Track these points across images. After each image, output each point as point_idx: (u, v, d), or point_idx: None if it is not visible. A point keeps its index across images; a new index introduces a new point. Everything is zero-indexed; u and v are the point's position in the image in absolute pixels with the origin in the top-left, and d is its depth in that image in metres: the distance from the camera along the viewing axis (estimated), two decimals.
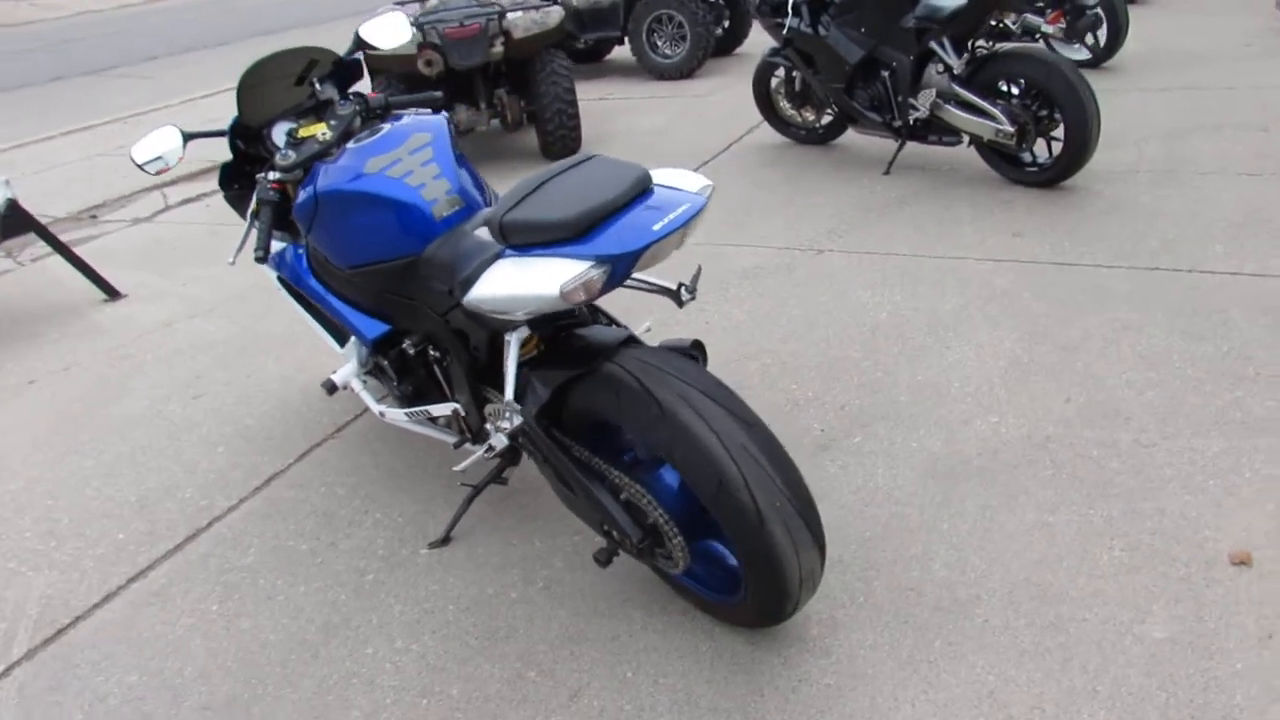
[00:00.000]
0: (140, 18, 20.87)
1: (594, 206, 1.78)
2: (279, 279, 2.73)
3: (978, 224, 4.28)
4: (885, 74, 4.83)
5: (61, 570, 2.63)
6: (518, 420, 2.03)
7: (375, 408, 2.62)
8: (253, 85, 2.56)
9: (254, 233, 2.46)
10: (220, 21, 18.02)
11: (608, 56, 9.35)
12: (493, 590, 2.38)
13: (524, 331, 2.04)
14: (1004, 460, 2.66)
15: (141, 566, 2.61)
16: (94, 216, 6.10)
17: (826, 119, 5.57)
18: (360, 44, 2.78)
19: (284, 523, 2.72)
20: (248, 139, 2.67)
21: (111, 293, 4.62)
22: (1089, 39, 6.27)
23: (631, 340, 2.09)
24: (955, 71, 4.54)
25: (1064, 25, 5.54)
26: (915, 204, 4.61)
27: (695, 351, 2.27)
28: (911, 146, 5.08)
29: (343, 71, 2.72)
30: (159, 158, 2.48)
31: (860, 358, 3.27)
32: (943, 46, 4.55)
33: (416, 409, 2.50)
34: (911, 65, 4.71)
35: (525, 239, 1.83)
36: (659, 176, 1.94)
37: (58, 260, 4.66)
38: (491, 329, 2.09)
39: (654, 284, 2.22)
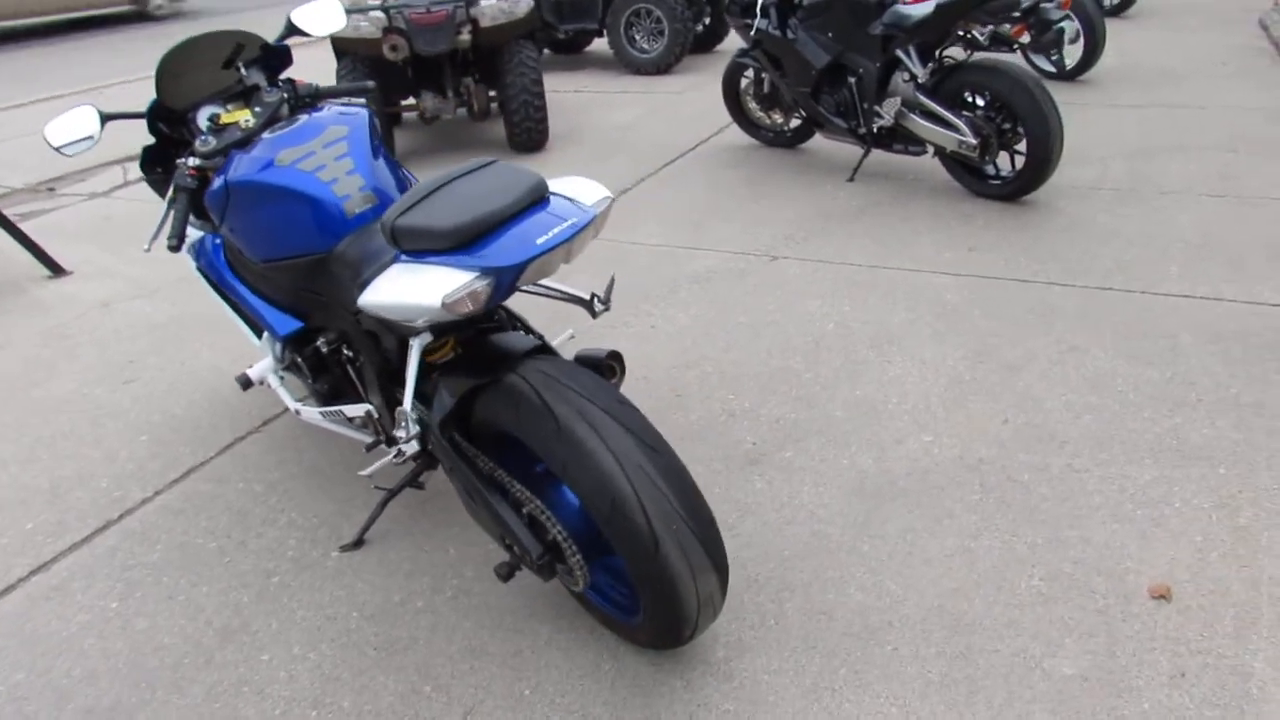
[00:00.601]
0: None
1: (483, 215, 1.72)
2: (198, 268, 2.65)
3: (935, 236, 4.23)
4: (852, 80, 4.78)
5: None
6: (414, 428, 1.96)
7: (291, 405, 2.55)
8: (175, 67, 2.48)
9: (170, 220, 2.39)
10: None
11: (588, 48, 9.27)
12: (399, 598, 2.32)
13: (426, 338, 1.97)
14: (933, 481, 2.61)
15: (45, 559, 2.53)
16: (51, 189, 5.99)
17: (795, 123, 5.51)
18: (292, 28, 2.70)
19: (196, 519, 2.65)
20: (171, 122, 2.59)
21: (56, 269, 4.52)
22: (1053, 54, 6.23)
23: (542, 349, 2.02)
24: (920, 81, 4.49)
25: (1029, 38, 5.50)
26: (875, 213, 4.57)
27: (612, 362, 2.22)
28: (878, 154, 5.04)
29: (271, 57, 2.63)
30: (77, 140, 2.40)
31: (801, 369, 3.22)
32: (908, 55, 4.49)
33: (332, 409, 2.43)
34: (878, 72, 4.66)
35: (415, 245, 1.77)
36: (558, 186, 1.88)
37: (3, 234, 4.56)
38: (397, 333, 2.02)
39: (567, 293, 2.16)
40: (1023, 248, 4.04)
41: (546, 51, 9.03)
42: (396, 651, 2.16)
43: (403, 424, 1.97)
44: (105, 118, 2.44)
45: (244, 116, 2.46)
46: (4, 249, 4.71)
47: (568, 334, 2.56)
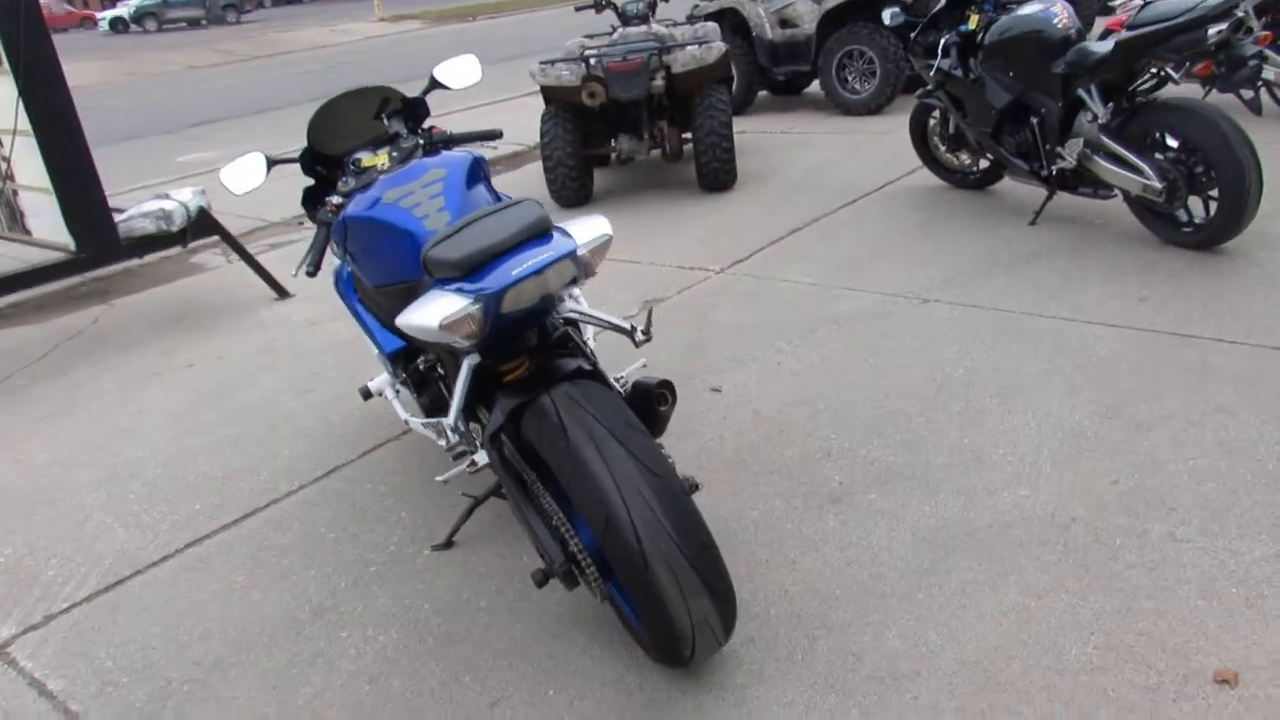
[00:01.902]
0: (420, 41, 22.88)
1: (484, 248, 1.91)
2: (337, 292, 3.02)
3: (1107, 285, 3.99)
4: (1034, 120, 4.61)
5: (142, 530, 3.04)
6: (454, 439, 2.17)
7: (402, 416, 2.85)
8: (327, 119, 2.87)
9: (311, 249, 2.76)
10: (504, 42, 19.34)
11: (806, 90, 9.34)
12: (468, 596, 2.54)
13: (474, 358, 2.18)
14: (1014, 536, 2.51)
15: (200, 535, 2.97)
16: (302, 223, 6.84)
17: (983, 164, 5.35)
18: (434, 83, 3.05)
19: (324, 511, 3.01)
20: (329, 165, 2.99)
21: (281, 293, 5.20)
22: (1246, 92, 5.61)
23: (583, 373, 2.17)
24: (1102, 121, 4.25)
25: (1216, 75, 5.02)
26: (1048, 259, 4.36)
27: (664, 390, 2.33)
28: (1066, 198, 4.79)
29: (411, 108, 2.98)
30: (250, 186, 2.82)
31: (914, 414, 3.16)
32: (1090, 94, 4.28)
33: (432, 420, 2.70)
34: (1060, 112, 4.46)
35: (440, 273, 1.98)
36: (571, 223, 2.03)
37: (243, 263, 5.30)
38: (454, 352, 2.24)
39: (610, 322, 2.30)
40: (1201, 301, 3.73)
41: (764, 93, 9.20)
42: (451, 643, 2.37)
43: (445, 435, 2.18)
44: (271, 162, 2.86)
45: (381, 161, 2.81)
46: (244, 276, 5.46)
47: (640, 363, 2.70)
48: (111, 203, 4.76)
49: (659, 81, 5.78)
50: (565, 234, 1.99)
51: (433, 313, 1.90)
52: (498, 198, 2.69)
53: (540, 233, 1.97)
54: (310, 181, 3.00)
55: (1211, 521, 2.47)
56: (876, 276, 4.39)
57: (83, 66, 20.56)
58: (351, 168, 2.83)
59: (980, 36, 4.74)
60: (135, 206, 4.75)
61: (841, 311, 4.04)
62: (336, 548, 2.82)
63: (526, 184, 6.69)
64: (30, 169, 4.50)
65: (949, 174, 5.57)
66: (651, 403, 2.33)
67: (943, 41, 4.90)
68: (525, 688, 2.20)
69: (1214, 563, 2.33)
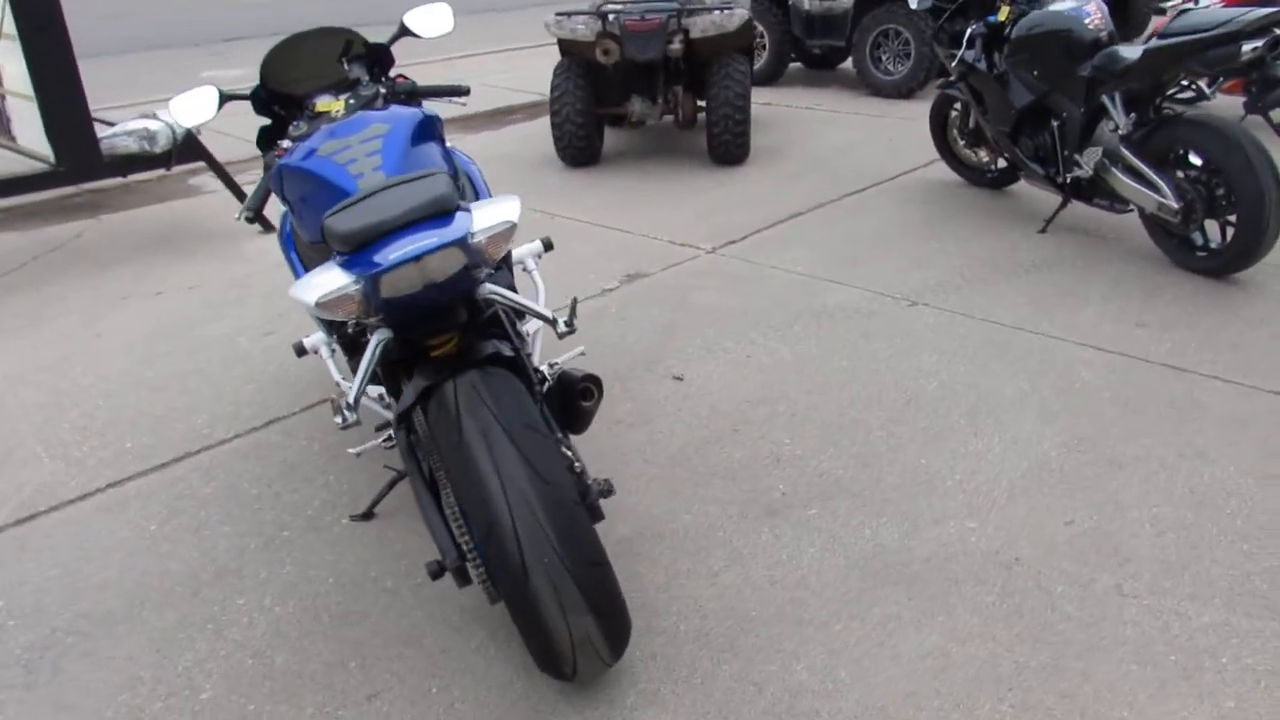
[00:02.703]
0: None
1: (374, 223, 1.77)
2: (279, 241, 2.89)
3: (1106, 305, 3.80)
4: (1054, 124, 4.38)
5: (69, 463, 2.95)
6: (351, 417, 2.04)
7: (335, 377, 2.71)
8: (286, 56, 2.73)
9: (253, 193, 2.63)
10: None
11: (841, 66, 9.06)
12: (375, 574, 2.43)
13: (384, 333, 2.05)
14: (950, 572, 2.37)
15: (124, 475, 2.88)
16: None
17: (1001, 163, 5.12)
18: (404, 30, 2.89)
19: (254, 465, 2.91)
20: (289, 106, 2.84)
21: (268, 226, 5.07)
22: (1277, 115, 5.32)
23: (496, 358, 2.04)
24: (1123, 131, 4.03)
25: (1245, 95, 4.75)
26: (1051, 270, 4.16)
27: (589, 384, 2.20)
28: (1079, 208, 4.57)
29: (374, 55, 2.82)
30: (196, 115, 2.69)
31: (875, 426, 3.02)
32: (1113, 102, 4.05)
33: (362, 387, 2.58)
34: (1082, 118, 4.24)
35: (336, 245, 1.84)
36: (479, 203, 1.88)
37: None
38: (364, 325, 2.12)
39: (534, 310, 2.16)
40: (1202, 332, 3.53)
41: (797, 65, 8.93)
42: (347, 623, 2.27)
43: (340, 411, 2.05)
44: (225, 97, 2.72)
45: (337, 108, 2.66)
46: (232, 201, 5.33)
47: (577, 350, 2.56)
48: (108, 116, 4.64)
49: (676, 45, 5.57)
50: (468, 215, 1.84)
51: (313, 288, 1.77)
52: (449, 160, 2.55)
53: (439, 212, 1.82)
54: (267, 121, 2.86)
55: (1164, 577, 2.32)
56: (869, 272, 4.21)
57: None
58: (307, 112, 2.69)
59: (1008, 30, 4.50)
60: (121, 124, 4.63)
61: (826, 305, 3.88)
62: (256, 505, 2.72)
63: (542, 136, 6.49)
64: (18, 74, 4.39)
65: (966, 170, 5.35)
66: (574, 397, 2.20)
67: (969, 31, 4.66)
68: (410, 681, 2.10)
69: (1157, 624, 2.18)
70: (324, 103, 2.69)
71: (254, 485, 2.82)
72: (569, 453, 2.01)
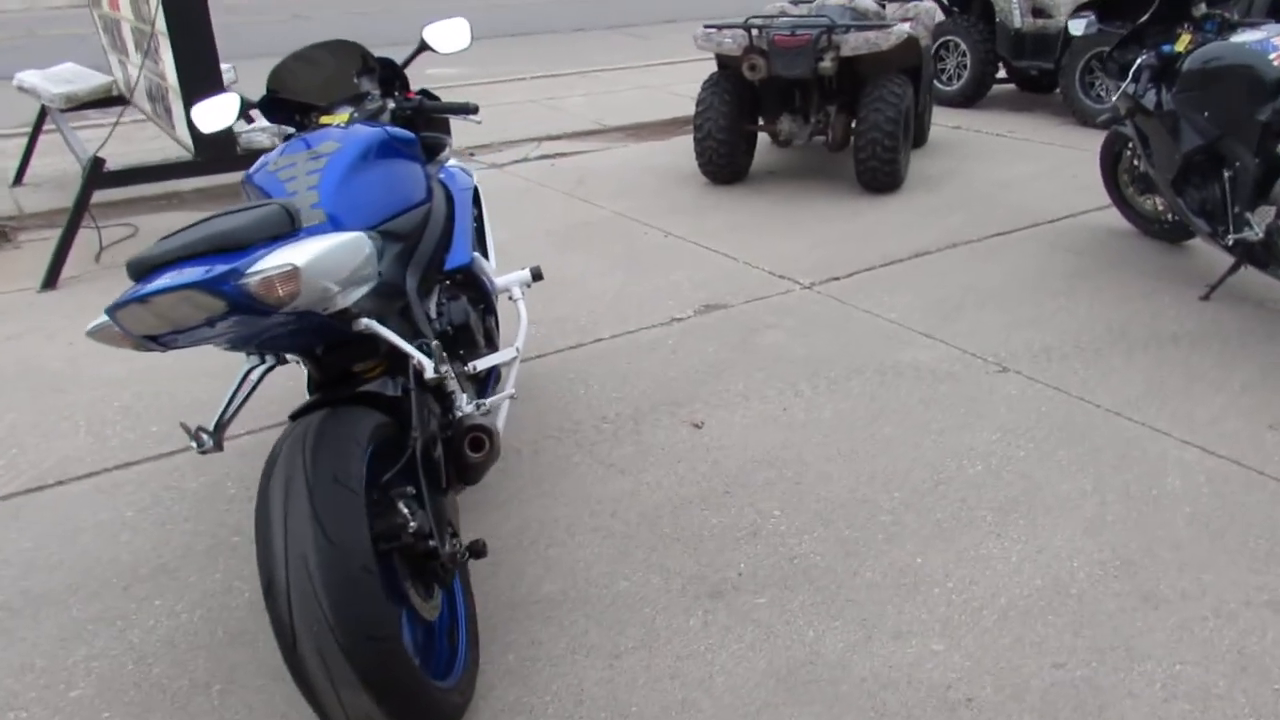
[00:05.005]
0: None
1: (154, 255, 1.68)
2: None
3: (1241, 397, 3.17)
4: (1226, 174, 3.72)
5: (96, 440, 3.13)
6: (207, 442, 1.99)
7: None
8: (298, 67, 2.74)
9: None
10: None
11: (1058, 90, 8.25)
12: None
13: (253, 361, 1.99)
14: (881, 701, 2.02)
15: (133, 459, 3.01)
16: (471, 154, 6.89)
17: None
18: (423, 45, 2.85)
19: (248, 465, 2.93)
20: (307, 115, 2.86)
21: None
22: None
23: (361, 397, 1.95)
24: None
25: None
26: (1190, 346, 3.54)
27: (481, 435, 2.06)
28: (1255, 274, 3.86)
29: (388, 71, 2.79)
30: (215, 121, 2.76)
31: (885, 509, 2.66)
32: None
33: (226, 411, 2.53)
34: (1257, 170, 3.57)
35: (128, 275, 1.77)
36: (300, 239, 1.75)
37: None
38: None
39: (404, 348, 2.03)
40: None
41: (1006, 86, 8.23)
42: (234, 644, 2.23)
43: (193, 435, 2.00)
44: (246, 105, 2.78)
45: (341, 120, 2.65)
46: None
47: (507, 393, 2.41)
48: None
49: (828, 63, 5.22)
50: (263, 253, 1.70)
51: (97, 318, 1.73)
52: (418, 187, 2.47)
53: (218, 249, 1.70)
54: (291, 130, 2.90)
55: None
56: (969, 327, 3.75)
57: None
58: (312, 123, 2.70)
59: (1180, 62, 3.86)
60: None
61: (899, 362, 3.48)
62: (227, 507, 2.77)
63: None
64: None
65: (1137, 218, 4.68)
66: (462, 446, 2.06)
67: (1138, 62, 4.04)
68: (258, 716, 2.03)
69: None
70: (328, 115, 2.69)
71: (236, 486, 2.87)
72: (405, 510, 1.87)
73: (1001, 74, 8.05)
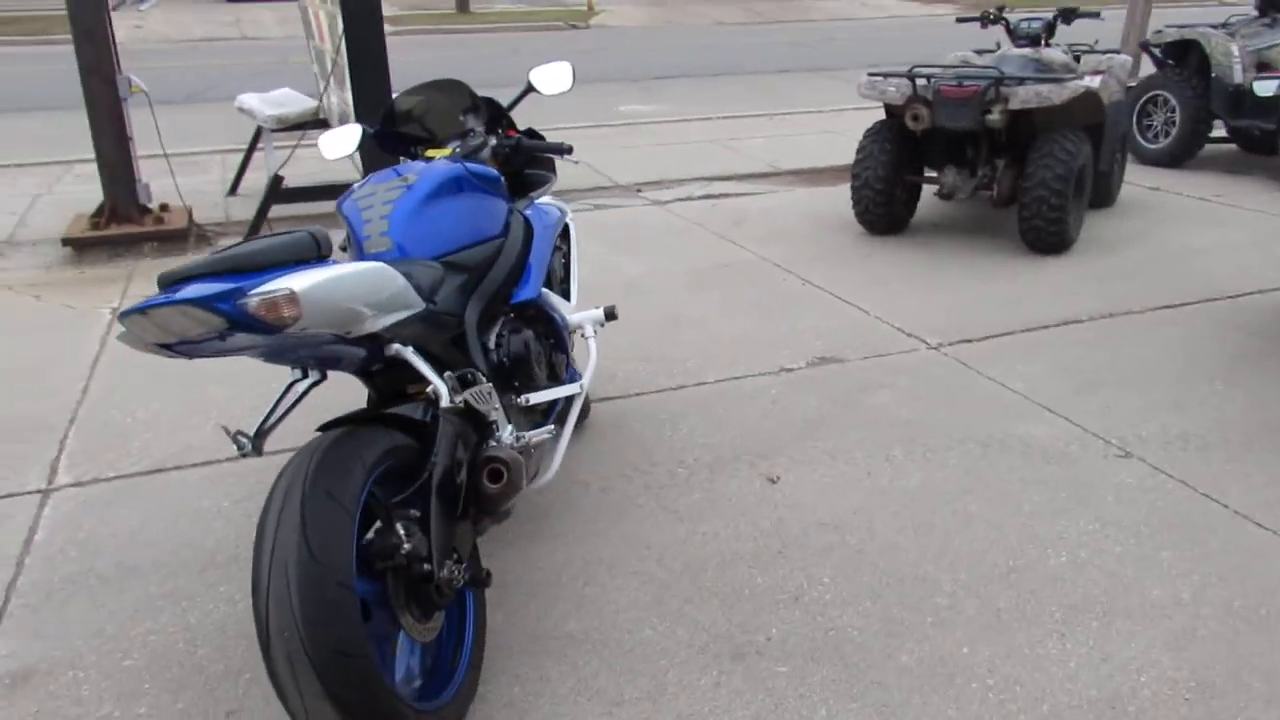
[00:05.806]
0: (927, 26, 22.07)
1: (181, 269, 1.80)
2: None
3: None
4: None
5: (218, 432, 3.41)
6: (246, 445, 2.13)
7: None
8: (412, 103, 2.92)
9: None
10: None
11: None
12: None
13: (295, 374, 2.13)
14: None
15: (206, 459, 3.26)
16: (639, 190, 7.04)
17: None
18: (530, 87, 2.96)
19: None
20: (415, 145, 3.03)
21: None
22: None
23: (378, 417, 2.05)
24: None
25: None
26: None
27: (499, 467, 2.11)
28: None
29: (492, 109, 2.92)
30: (337, 149, 2.98)
31: (945, 590, 2.50)
32: None
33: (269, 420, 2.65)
34: None
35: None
36: (326, 266, 1.84)
37: None
38: None
39: (429, 376, 2.11)
40: None
41: (1228, 148, 7.56)
42: (195, 670, 2.34)
43: (233, 438, 2.15)
44: (367, 135, 2.98)
45: (444, 155, 2.80)
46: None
47: (546, 429, 2.43)
48: None
49: (995, 115, 5.00)
50: (272, 275, 1.79)
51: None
52: (493, 222, 2.56)
53: (237, 268, 1.80)
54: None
55: None
56: (1099, 404, 3.47)
57: (627, 9, 22.81)
58: (419, 157, 2.86)
59: None
60: None
61: (1009, 436, 3.26)
62: (240, 528, 2.90)
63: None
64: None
65: None
66: (480, 477, 2.11)
67: None
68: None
69: None
70: (434, 149, 2.84)
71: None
72: (403, 532, 1.93)
73: (1220, 132, 7.41)
